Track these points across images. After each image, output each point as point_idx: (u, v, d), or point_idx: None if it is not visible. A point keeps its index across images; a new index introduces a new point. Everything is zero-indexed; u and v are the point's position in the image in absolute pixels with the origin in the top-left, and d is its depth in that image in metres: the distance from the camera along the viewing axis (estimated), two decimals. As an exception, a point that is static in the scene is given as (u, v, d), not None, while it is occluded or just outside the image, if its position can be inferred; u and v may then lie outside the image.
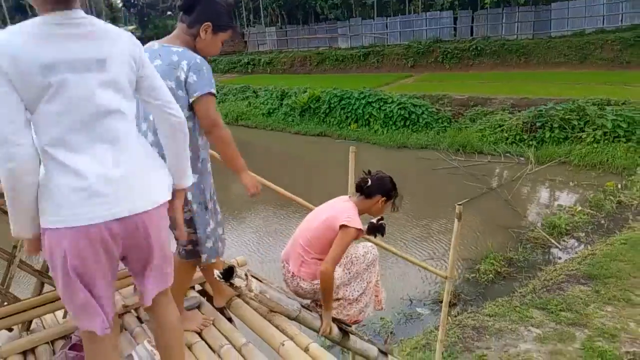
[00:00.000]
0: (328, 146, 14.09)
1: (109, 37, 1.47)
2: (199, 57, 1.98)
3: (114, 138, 1.45)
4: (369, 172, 2.59)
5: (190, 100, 1.94)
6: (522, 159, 11.02)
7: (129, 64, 1.50)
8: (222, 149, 2.05)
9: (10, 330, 2.48)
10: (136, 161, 1.49)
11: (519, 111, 12.37)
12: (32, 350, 2.34)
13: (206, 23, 1.99)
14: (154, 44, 2.05)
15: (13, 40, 1.32)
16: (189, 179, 1.72)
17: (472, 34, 21.15)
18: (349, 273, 2.54)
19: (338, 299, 2.53)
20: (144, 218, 1.47)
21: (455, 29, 21.91)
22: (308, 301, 2.57)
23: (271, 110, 17.36)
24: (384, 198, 2.56)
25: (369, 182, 2.51)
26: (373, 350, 2.62)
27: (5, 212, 2.05)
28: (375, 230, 2.73)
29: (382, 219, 2.73)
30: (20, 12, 30.77)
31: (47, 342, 2.34)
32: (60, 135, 1.38)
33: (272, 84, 19.43)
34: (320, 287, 2.30)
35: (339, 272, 2.48)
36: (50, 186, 1.37)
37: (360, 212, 2.49)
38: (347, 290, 2.56)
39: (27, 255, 1.50)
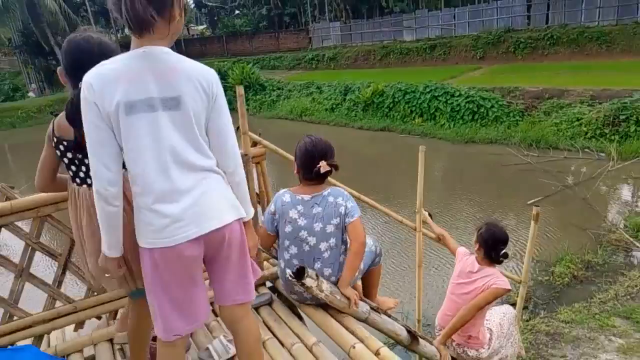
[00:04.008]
0: (392, 141, 13.94)
1: (184, 73, 1.52)
2: (343, 190, 2.37)
3: (187, 173, 1.55)
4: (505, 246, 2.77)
5: (348, 222, 2.24)
6: (602, 154, 10.29)
7: (201, 100, 1.56)
8: (354, 259, 2.26)
9: (99, 318, 2.70)
10: (204, 193, 1.58)
11: (600, 103, 11.54)
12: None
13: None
14: (301, 196, 2.33)
15: (100, 78, 1.44)
16: (249, 212, 1.80)
17: (547, 22, 19.94)
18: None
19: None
20: (215, 235, 1.60)
21: (528, 17, 20.75)
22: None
23: (334, 106, 17.42)
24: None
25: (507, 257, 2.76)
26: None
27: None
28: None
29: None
30: (104, 15, 32.92)
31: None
32: (139, 172, 1.51)
33: (336, 79, 19.46)
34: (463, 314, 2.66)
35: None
36: (139, 217, 1.57)
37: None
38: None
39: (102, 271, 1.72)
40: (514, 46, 19.51)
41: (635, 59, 16.19)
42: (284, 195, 2.35)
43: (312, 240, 2.27)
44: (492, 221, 2.84)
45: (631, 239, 6.58)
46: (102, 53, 1.69)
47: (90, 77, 1.44)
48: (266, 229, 2.39)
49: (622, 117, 10.59)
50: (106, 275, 1.72)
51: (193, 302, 1.65)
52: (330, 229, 2.25)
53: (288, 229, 2.31)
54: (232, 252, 1.66)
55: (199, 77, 1.55)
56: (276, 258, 2.86)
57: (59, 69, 1.81)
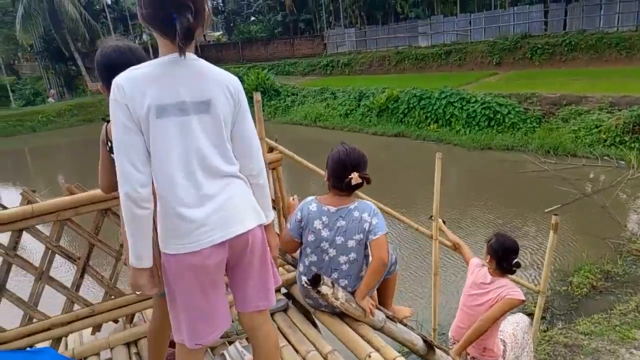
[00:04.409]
0: (406, 147, 13.90)
1: (212, 78, 1.56)
2: (371, 204, 2.32)
3: (213, 178, 1.56)
4: (516, 256, 2.75)
5: (370, 239, 2.20)
6: (622, 162, 10.12)
7: (229, 104, 1.59)
8: (372, 276, 2.25)
9: (115, 322, 2.72)
10: (229, 198, 1.59)
11: (619, 110, 11.37)
12: (135, 342, 2.55)
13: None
14: (327, 207, 2.29)
15: (131, 82, 1.46)
16: (270, 215, 1.81)
17: (565, 28, 19.69)
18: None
19: None
20: (239, 240, 1.60)
21: (546, 22, 20.53)
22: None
23: (349, 111, 17.44)
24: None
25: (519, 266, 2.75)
26: (459, 365, 2.55)
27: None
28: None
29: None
30: (122, 22, 33.50)
31: (146, 336, 2.53)
32: (165, 175, 1.50)
33: (351, 85, 19.48)
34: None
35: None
36: (164, 222, 1.54)
37: None
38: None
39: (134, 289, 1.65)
40: (531, 52, 19.31)
41: (656, 65, 15.91)
42: (311, 204, 2.34)
43: (332, 252, 2.26)
44: (501, 232, 2.81)
45: (652, 249, 6.44)
46: (136, 57, 1.75)
47: (121, 80, 1.45)
48: (292, 235, 2.39)
49: (642, 125, 10.41)
50: (137, 293, 1.66)
51: (216, 309, 1.65)
52: (351, 244, 2.23)
53: (311, 238, 2.31)
54: (254, 257, 1.67)
55: (226, 82, 1.59)
56: (292, 265, 2.86)
57: (99, 86, 1.85)
